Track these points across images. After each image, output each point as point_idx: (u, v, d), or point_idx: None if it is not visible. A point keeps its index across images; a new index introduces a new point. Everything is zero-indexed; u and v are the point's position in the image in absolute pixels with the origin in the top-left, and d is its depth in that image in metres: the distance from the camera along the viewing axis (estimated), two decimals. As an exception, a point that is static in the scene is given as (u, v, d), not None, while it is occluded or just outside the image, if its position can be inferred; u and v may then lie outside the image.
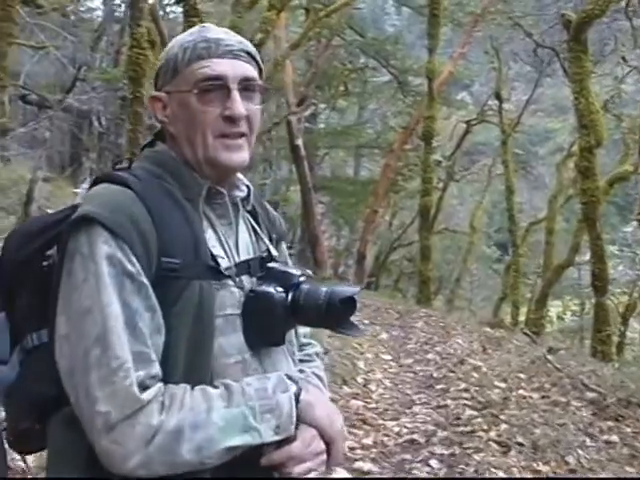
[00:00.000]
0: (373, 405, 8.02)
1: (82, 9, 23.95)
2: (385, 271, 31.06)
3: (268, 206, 2.09)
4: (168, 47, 1.85)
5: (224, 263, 1.78)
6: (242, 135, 1.79)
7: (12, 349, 1.80)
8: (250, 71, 1.81)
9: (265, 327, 1.80)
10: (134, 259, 1.61)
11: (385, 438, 6.88)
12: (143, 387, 1.55)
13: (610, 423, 7.41)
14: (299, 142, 22.71)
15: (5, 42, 12.58)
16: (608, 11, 12.43)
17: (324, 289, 1.82)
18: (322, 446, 1.74)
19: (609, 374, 9.70)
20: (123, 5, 22.73)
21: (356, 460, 6.22)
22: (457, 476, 5.77)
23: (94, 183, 1.74)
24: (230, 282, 1.78)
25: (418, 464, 6.15)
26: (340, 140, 29.48)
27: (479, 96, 31.17)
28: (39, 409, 1.72)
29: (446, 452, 6.33)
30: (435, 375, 9.45)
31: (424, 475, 5.88)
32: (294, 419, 1.67)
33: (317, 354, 2.15)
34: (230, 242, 1.84)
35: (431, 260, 20.61)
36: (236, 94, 1.76)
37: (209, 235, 1.78)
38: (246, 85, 1.79)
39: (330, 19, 20.49)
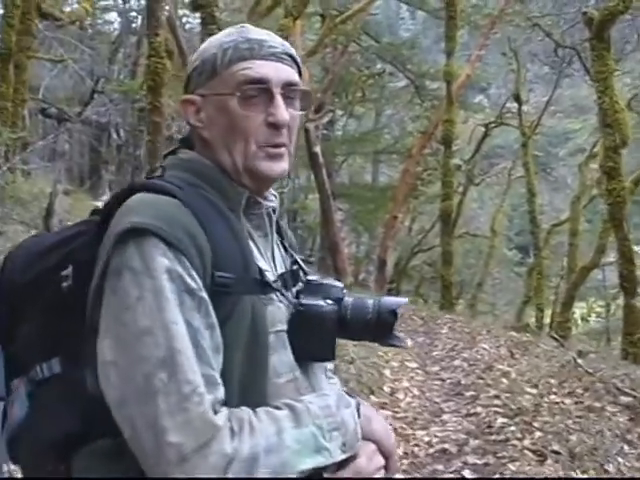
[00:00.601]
0: (402, 414, 7.87)
1: (99, 22, 24.02)
2: (406, 277, 30.92)
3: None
4: (203, 48, 1.72)
5: (270, 277, 1.67)
6: (283, 145, 1.68)
7: (7, 383, 1.64)
8: (293, 75, 1.71)
9: (316, 342, 1.70)
10: (194, 273, 1.48)
11: (416, 448, 6.73)
12: (214, 413, 1.42)
13: (648, 429, 7.25)
14: (317, 149, 22.63)
15: (24, 55, 12.58)
16: (631, 8, 12.24)
17: (370, 301, 1.76)
18: (382, 460, 1.65)
19: (642, 376, 9.53)
20: (139, 17, 22.80)
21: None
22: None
23: (128, 192, 1.58)
24: (276, 297, 1.67)
25: (451, 474, 6.01)
26: (358, 146, 29.46)
27: (496, 99, 31.00)
28: (61, 448, 1.56)
29: (479, 462, 6.18)
30: (463, 382, 9.29)
31: (458, 486, 5.74)
32: (359, 435, 1.60)
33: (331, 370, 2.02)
34: (268, 254, 1.73)
35: (453, 265, 20.50)
36: (280, 99, 1.66)
37: (252, 247, 1.66)
38: (289, 90, 1.69)
39: (346, 25, 20.44)
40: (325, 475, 1.55)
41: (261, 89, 1.64)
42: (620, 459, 6.14)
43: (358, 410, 1.62)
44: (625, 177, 13.54)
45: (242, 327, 1.54)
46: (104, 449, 1.50)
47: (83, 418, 1.52)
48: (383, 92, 29.11)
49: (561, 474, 5.74)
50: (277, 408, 1.52)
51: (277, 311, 1.66)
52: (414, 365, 10.66)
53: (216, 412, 1.42)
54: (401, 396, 8.67)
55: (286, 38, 13.95)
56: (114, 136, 22.38)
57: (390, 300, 1.78)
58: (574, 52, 19.69)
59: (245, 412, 1.47)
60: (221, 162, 1.67)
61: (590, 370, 9.15)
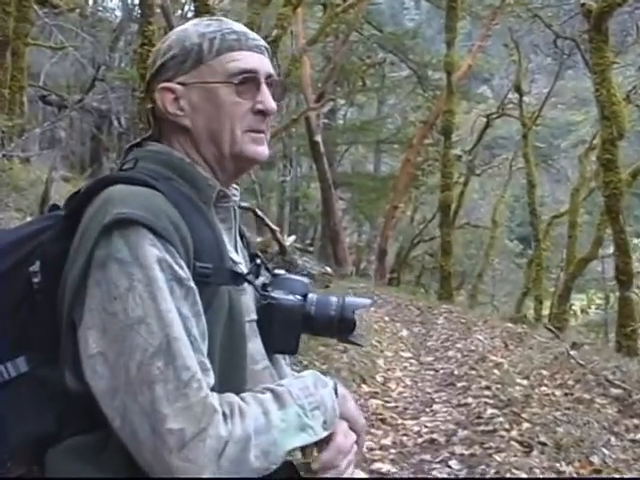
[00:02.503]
0: (392, 404, 7.92)
1: (100, 9, 24.00)
2: (407, 267, 30.96)
3: None
4: (177, 37, 1.73)
5: (242, 268, 1.72)
6: (264, 131, 1.73)
7: None
8: (271, 67, 1.76)
9: (282, 335, 1.76)
10: (182, 262, 1.50)
11: (404, 438, 6.77)
12: (211, 398, 1.45)
13: (636, 421, 7.27)
14: (318, 138, 22.66)
15: (22, 42, 12.59)
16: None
17: (334, 299, 1.81)
18: (354, 437, 1.71)
19: (634, 370, 9.54)
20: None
21: (374, 461, 6.12)
22: (477, 476, 5.65)
23: (100, 185, 1.58)
24: (247, 288, 1.72)
25: (438, 465, 6.03)
26: (360, 136, 29.49)
27: (499, 89, 30.95)
28: (33, 449, 1.55)
29: (466, 452, 6.20)
30: (456, 373, 9.33)
31: (444, 476, 5.77)
32: (337, 412, 1.65)
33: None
34: (233, 247, 1.75)
35: (452, 255, 20.61)
36: (265, 89, 1.71)
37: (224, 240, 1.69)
38: (269, 81, 1.74)
39: (348, 14, 20.41)
40: (313, 465, 1.61)
41: (251, 78, 1.69)
42: (606, 451, 6.16)
43: (336, 390, 1.67)
44: (625, 169, 13.59)
45: (220, 316, 1.57)
46: (79, 446, 1.50)
47: (55, 417, 1.52)
48: (384, 82, 29.09)
49: (546, 465, 5.77)
50: (260, 392, 1.55)
51: (249, 301, 1.71)
52: (408, 355, 10.72)
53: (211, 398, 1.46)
54: (393, 386, 8.71)
55: (286, 27, 13.98)
56: (115, 124, 22.34)
57: (354, 300, 1.84)
58: (574, 43, 19.69)
59: (233, 397, 1.50)
60: (200, 150, 1.70)
61: (582, 362, 9.18)
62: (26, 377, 1.55)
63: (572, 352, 9.71)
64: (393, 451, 6.40)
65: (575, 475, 5.64)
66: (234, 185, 1.80)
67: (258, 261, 1.82)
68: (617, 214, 12.20)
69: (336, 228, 23.98)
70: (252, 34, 1.74)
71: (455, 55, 20.07)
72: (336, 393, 1.66)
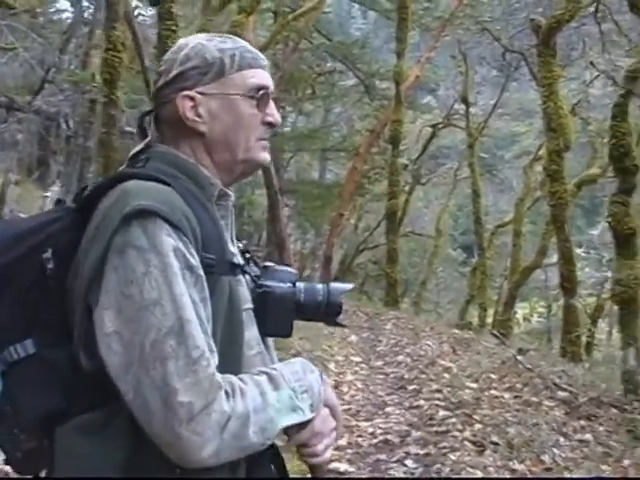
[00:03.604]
0: (346, 406, 8.01)
1: (51, 10, 23.77)
2: (351, 274, 31.08)
3: None
4: (195, 50, 1.84)
5: (239, 260, 1.85)
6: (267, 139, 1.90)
7: None
8: None
9: (277, 320, 1.89)
10: (193, 252, 1.62)
11: (359, 439, 6.88)
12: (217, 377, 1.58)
13: (583, 422, 7.49)
14: (266, 145, 22.68)
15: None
16: (577, 16, 12.55)
17: (320, 286, 1.96)
18: (334, 423, 1.83)
19: (580, 374, 9.80)
20: (92, 7, 22.60)
21: (332, 461, 6.21)
22: (434, 476, 5.78)
23: (114, 181, 1.70)
24: (243, 278, 1.84)
25: (394, 464, 6.16)
26: (306, 143, 29.58)
27: (445, 100, 31.27)
28: (44, 424, 1.66)
29: (421, 452, 6.35)
30: (406, 376, 9.48)
31: (401, 475, 5.89)
32: (322, 397, 1.77)
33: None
34: (230, 242, 1.88)
35: (397, 263, 20.73)
36: (272, 103, 1.89)
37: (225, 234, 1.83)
38: (273, 96, 1.91)
39: (298, 23, 20.53)
40: (289, 441, 1.75)
41: (265, 94, 1.86)
42: (555, 450, 6.35)
43: (321, 376, 1.80)
44: (570, 180, 13.91)
45: (222, 304, 1.69)
46: (89, 422, 1.60)
47: (64, 395, 1.62)
48: (333, 90, 29.25)
49: (499, 464, 5.93)
50: (256, 375, 1.68)
51: (245, 291, 1.84)
52: (358, 359, 10.84)
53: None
54: (345, 389, 8.83)
55: (239, 34, 14.05)
56: (63, 126, 22.16)
57: (338, 285, 1.99)
58: (521, 57, 20.06)
59: (233, 377, 1.62)
60: (211, 153, 1.83)
61: (529, 366, 9.41)
62: (34, 358, 1.65)
63: (519, 357, 9.94)
64: (349, 451, 6.51)
65: (528, 473, 5.81)
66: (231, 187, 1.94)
67: (247, 255, 1.96)
68: (562, 223, 12.48)
69: (282, 235, 23.99)
70: (260, 53, 1.91)
71: (404, 66, 20.32)
72: (322, 379, 1.80)
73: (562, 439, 6.76)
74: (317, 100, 29.78)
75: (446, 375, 9.16)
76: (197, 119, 1.81)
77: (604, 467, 6.10)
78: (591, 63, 17.50)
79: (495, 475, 5.66)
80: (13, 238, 1.71)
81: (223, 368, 1.62)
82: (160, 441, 1.52)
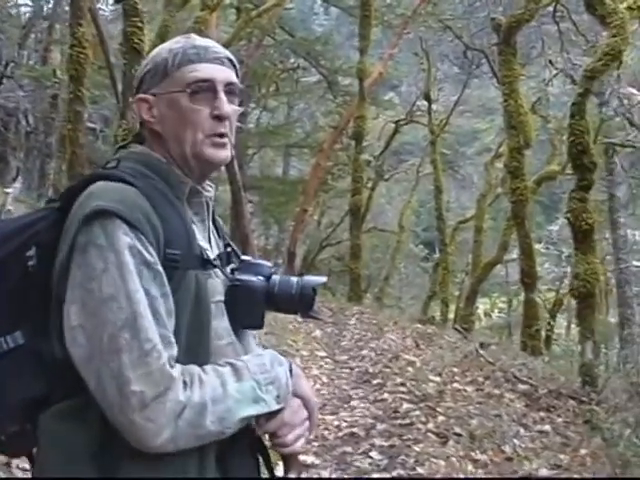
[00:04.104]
0: (312, 400, 8.12)
1: (9, 4, 23.55)
2: (314, 270, 31.13)
3: None
4: (153, 54, 1.96)
5: (210, 255, 1.91)
6: (225, 135, 1.92)
7: None
8: (232, 76, 1.95)
9: (248, 312, 1.96)
10: (151, 249, 1.71)
11: (325, 432, 7.00)
12: (170, 367, 1.66)
13: (542, 414, 7.68)
14: (230, 141, 22.69)
15: None
16: (536, 15, 12.74)
17: (294, 279, 2.02)
18: (306, 413, 1.91)
19: (540, 367, 9.99)
20: (51, 2, 22.43)
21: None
22: (399, 467, 5.92)
23: (89, 181, 1.80)
24: (215, 272, 1.92)
25: (359, 456, 6.29)
26: (270, 139, 29.59)
27: (407, 96, 31.39)
28: (28, 410, 1.77)
29: (386, 444, 6.49)
30: (371, 370, 9.60)
31: (366, 466, 6.02)
32: (290, 389, 1.85)
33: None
34: (205, 236, 1.96)
35: (361, 258, 20.85)
36: (223, 95, 1.90)
37: (194, 229, 1.90)
38: (230, 88, 1.93)
39: (261, 19, 20.56)
40: (258, 430, 1.84)
41: (207, 87, 1.89)
42: (516, 441, 6.52)
43: (291, 369, 1.88)
44: (529, 177, 14.12)
45: (188, 297, 1.77)
46: (68, 409, 1.72)
47: (47, 382, 1.73)
48: (296, 86, 29.30)
49: (462, 454, 6.09)
50: (221, 366, 1.77)
51: (216, 284, 1.90)
52: (323, 354, 10.95)
53: (171, 367, 1.66)
54: (310, 383, 8.92)
55: (202, 31, 14.08)
56: (23, 122, 21.99)
57: (311, 278, 2.05)
58: (482, 55, 20.25)
59: (195, 368, 1.71)
60: (171, 153, 1.91)
61: (491, 360, 9.59)
62: (23, 348, 1.76)
63: (481, 351, 10.11)
64: (315, 444, 6.62)
65: (489, 463, 5.98)
66: (208, 182, 2.02)
67: (229, 249, 2.06)
68: (523, 219, 12.68)
69: (245, 231, 24.01)
70: (214, 48, 1.95)
71: (367, 62, 20.45)
72: (291, 372, 1.87)
73: (522, 430, 6.94)
74: (281, 96, 29.80)
75: (410, 369, 9.31)
76: (152, 120, 1.92)
77: (562, 456, 6.27)
78: (550, 62, 17.71)
79: (457, 465, 5.82)
80: (1, 238, 1.82)
81: (190, 356, 1.74)
82: (119, 427, 1.63)
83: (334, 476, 5.86)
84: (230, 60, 1.97)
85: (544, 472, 5.86)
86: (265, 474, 1.98)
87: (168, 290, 1.72)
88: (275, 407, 1.80)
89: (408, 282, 35.01)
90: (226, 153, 1.93)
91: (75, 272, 1.68)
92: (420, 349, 10.89)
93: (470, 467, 5.81)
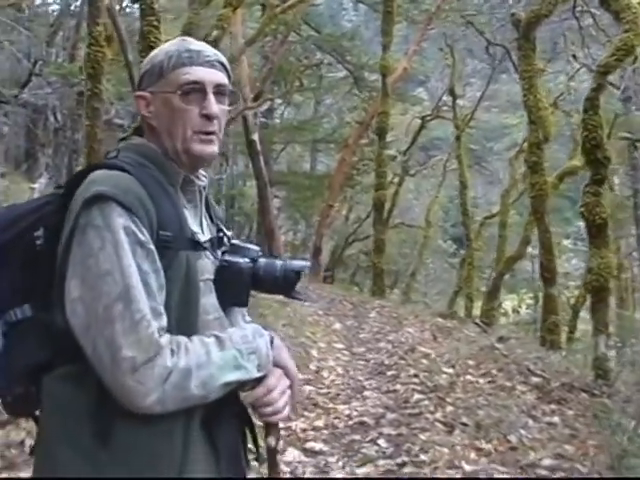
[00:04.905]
0: (325, 390, 8.28)
1: (37, 3, 23.85)
2: (342, 265, 31.29)
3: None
4: (152, 55, 2.17)
5: (201, 238, 2.12)
6: (213, 132, 2.12)
7: None
8: (222, 78, 2.15)
9: (235, 291, 2.17)
10: (144, 230, 1.91)
11: (336, 420, 7.14)
12: (159, 336, 1.86)
13: (553, 406, 7.71)
14: (255, 137, 22.82)
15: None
16: (557, 11, 12.75)
17: (279, 262, 2.22)
18: (288, 382, 2.10)
19: (556, 361, 10.02)
20: (79, 0, 22.62)
21: (307, 441, 6.49)
22: (403, 453, 6.03)
23: (90, 170, 2.01)
24: (205, 253, 2.12)
25: (367, 444, 6.42)
26: (296, 135, 29.69)
27: (435, 92, 31.42)
28: (32, 374, 1.98)
29: (394, 432, 6.61)
30: (386, 362, 9.72)
31: (372, 454, 6.14)
32: (271, 359, 2.05)
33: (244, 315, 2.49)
34: (197, 221, 2.17)
35: (385, 253, 20.95)
36: (211, 96, 2.10)
37: (186, 214, 2.10)
38: (219, 90, 2.13)
39: (286, 15, 20.65)
40: (247, 398, 2.04)
41: (197, 89, 2.10)
42: (523, 431, 6.58)
43: (272, 341, 2.07)
44: (553, 172, 14.12)
45: (178, 274, 1.98)
46: (69, 373, 1.92)
47: (51, 350, 1.94)
48: (321, 82, 29.39)
49: (467, 442, 6.18)
50: (206, 337, 1.96)
51: (205, 264, 2.10)
52: (341, 346, 11.07)
53: (160, 335, 1.85)
54: (325, 374, 9.07)
55: (226, 28, 14.21)
56: (51, 119, 22.26)
57: (295, 262, 2.24)
58: (505, 50, 20.22)
59: (182, 338, 1.91)
60: (164, 146, 2.12)
61: (505, 353, 9.63)
62: (30, 320, 2.00)
63: (498, 345, 10.17)
64: (325, 432, 6.78)
65: (494, 452, 6.06)
66: (202, 172, 2.22)
67: (221, 234, 2.26)
68: (542, 214, 12.70)
69: (271, 226, 24.16)
70: (208, 51, 2.15)
71: (390, 58, 20.53)
72: (272, 344, 2.06)
73: (531, 421, 7.00)
74: (307, 92, 29.90)
75: (424, 361, 9.40)
76: (148, 115, 2.14)
77: (568, 447, 6.32)
78: (573, 56, 17.69)
79: (461, 453, 5.92)
80: (11, 220, 2.06)
81: (180, 328, 1.94)
82: (112, 390, 1.83)
83: (340, 463, 5.99)
84: (221, 63, 2.16)
85: (547, 462, 5.93)
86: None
87: (160, 267, 1.92)
88: (256, 375, 2.00)
89: (435, 277, 35.04)
90: (213, 149, 2.13)
91: (75, 250, 1.89)
92: (437, 342, 10.97)
93: (473, 455, 5.89)
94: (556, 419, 7.24)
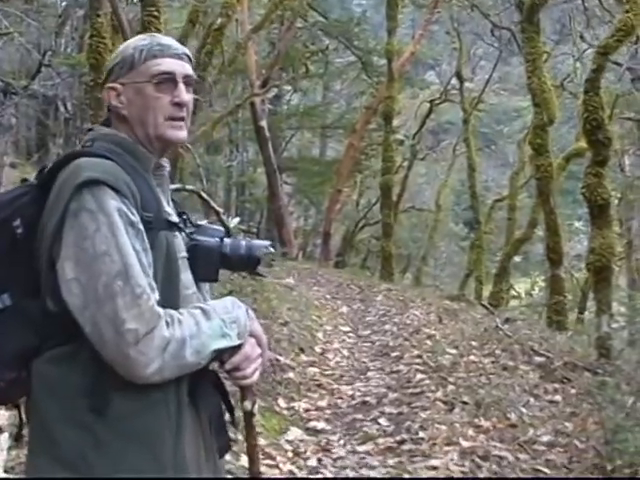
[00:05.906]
0: (329, 372, 8.39)
1: (45, -7, 23.85)
2: (353, 250, 31.34)
3: None
4: (121, 49, 2.29)
5: (174, 219, 2.25)
6: (183, 119, 2.26)
7: None
8: (189, 70, 2.29)
9: (205, 267, 2.31)
10: (134, 211, 2.03)
11: (339, 401, 7.27)
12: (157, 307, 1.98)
13: (556, 385, 7.79)
14: (263, 123, 22.99)
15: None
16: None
17: (243, 242, 2.38)
18: (259, 350, 2.25)
19: (561, 341, 10.07)
20: (86, -9, 22.60)
21: (310, 420, 6.60)
22: (403, 431, 6.14)
23: (67, 159, 2.10)
24: (179, 233, 2.25)
25: (368, 422, 6.54)
26: (305, 121, 29.79)
27: (445, 75, 31.33)
28: (22, 358, 2.06)
29: (395, 411, 6.72)
30: (391, 344, 9.80)
31: (373, 432, 6.25)
32: (248, 328, 2.21)
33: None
34: (167, 204, 2.29)
35: (393, 237, 21.07)
36: (182, 86, 2.24)
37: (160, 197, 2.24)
38: (187, 80, 2.27)
39: (292, 1, 20.70)
40: (226, 364, 2.16)
41: (169, 78, 2.23)
42: (524, 409, 6.68)
43: (247, 312, 2.22)
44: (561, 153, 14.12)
45: (160, 253, 2.10)
46: (60, 354, 2.02)
47: (36, 335, 2.03)
48: (328, 68, 29.37)
49: (466, 420, 6.28)
50: (192, 309, 2.10)
51: (179, 243, 2.24)
52: (347, 329, 11.18)
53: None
54: (330, 356, 9.18)
55: (231, 15, 14.29)
56: (61, 109, 22.35)
57: (258, 242, 2.41)
58: (511, 33, 20.16)
59: (172, 311, 2.03)
60: (136, 133, 2.23)
61: (509, 333, 9.70)
62: (11, 308, 2.08)
63: (500, 325, 10.23)
64: (328, 412, 6.90)
65: (492, 429, 6.15)
66: (165, 159, 2.35)
67: (184, 217, 2.38)
68: (547, 196, 12.72)
69: (281, 212, 24.39)
70: (175, 45, 2.29)
71: (395, 43, 20.58)
72: (248, 314, 2.22)
73: (532, 400, 7.09)
74: (314, 78, 29.87)
75: (428, 342, 9.48)
76: (119, 105, 2.25)
77: (568, 424, 6.40)
78: (581, 37, 17.67)
79: (460, 431, 6.01)
80: None
81: (164, 302, 2.04)
82: (113, 362, 1.94)
83: (342, 441, 6.10)
84: (187, 56, 2.31)
85: (545, 438, 6.02)
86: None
87: (147, 246, 2.05)
88: (237, 342, 2.15)
89: (446, 261, 35.03)
90: (183, 133, 2.27)
91: (69, 233, 1.98)
92: (442, 324, 11.02)
93: (471, 432, 5.99)
94: (558, 397, 7.33)
